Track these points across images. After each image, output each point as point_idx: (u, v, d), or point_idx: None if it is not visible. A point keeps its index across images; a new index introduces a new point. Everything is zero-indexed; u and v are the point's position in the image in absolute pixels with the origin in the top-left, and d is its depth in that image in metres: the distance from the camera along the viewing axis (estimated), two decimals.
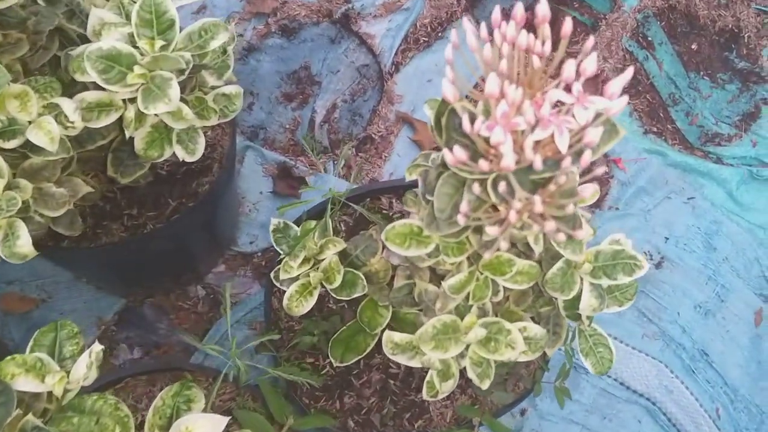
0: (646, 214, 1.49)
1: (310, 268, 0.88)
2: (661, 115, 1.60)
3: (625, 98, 0.45)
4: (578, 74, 0.46)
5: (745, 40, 1.66)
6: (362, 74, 1.59)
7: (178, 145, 0.83)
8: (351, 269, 0.89)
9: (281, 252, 0.91)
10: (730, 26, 1.66)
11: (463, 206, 0.51)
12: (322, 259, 0.88)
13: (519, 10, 0.48)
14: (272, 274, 0.89)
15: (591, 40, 0.50)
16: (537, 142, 0.47)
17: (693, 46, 1.65)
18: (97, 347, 0.70)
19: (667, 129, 1.59)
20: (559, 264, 0.79)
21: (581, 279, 0.81)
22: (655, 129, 1.58)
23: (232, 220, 1.42)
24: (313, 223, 0.90)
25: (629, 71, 0.47)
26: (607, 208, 1.49)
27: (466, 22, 0.48)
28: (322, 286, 0.89)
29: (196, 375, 1.04)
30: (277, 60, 1.59)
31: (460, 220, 0.52)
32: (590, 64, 0.45)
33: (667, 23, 1.67)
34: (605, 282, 0.79)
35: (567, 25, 0.47)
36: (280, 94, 1.56)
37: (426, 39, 1.62)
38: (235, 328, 1.35)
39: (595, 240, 1.43)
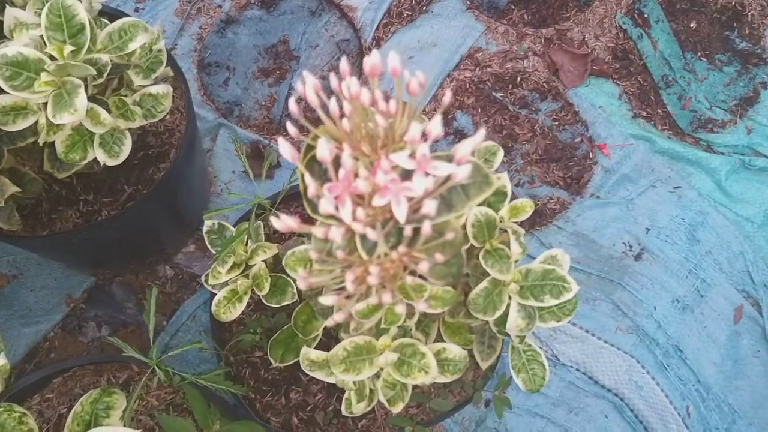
0: (628, 203, 1.44)
1: (240, 273, 0.87)
2: (652, 98, 1.52)
3: (468, 167, 0.41)
4: (424, 136, 0.42)
5: (748, 19, 1.56)
6: (342, 49, 1.54)
7: (100, 148, 0.81)
8: (283, 275, 0.87)
9: (215, 253, 0.89)
10: (733, 3, 1.56)
11: (340, 253, 0.48)
12: (253, 265, 0.86)
13: (343, 64, 0.44)
14: (203, 278, 0.88)
15: (448, 96, 0.46)
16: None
17: (692, 25, 1.56)
18: (2, 361, 0.70)
19: (657, 113, 1.52)
20: (483, 284, 0.77)
21: (510, 297, 0.78)
22: (644, 113, 1.51)
23: (201, 201, 1.41)
24: (245, 225, 0.88)
25: (481, 133, 0.43)
26: (588, 196, 1.44)
27: (306, 75, 0.45)
28: (253, 292, 0.87)
29: (142, 369, 1.04)
30: (255, 33, 1.54)
31: (338, 254, 0.49)
32: (435, 128, 0.41)
33: None
34: (532, 303, 0.76)
35: (413, 83, 0.43)
36: (257, 69, 1.53)
37: (410, 13, 1.56)
38: (202, 310, 1.35)
39: (575, 230, 1.39)
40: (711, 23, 1.57)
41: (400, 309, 0.51)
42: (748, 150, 1.49)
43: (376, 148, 0.45)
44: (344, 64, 0.44)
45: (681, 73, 1.54)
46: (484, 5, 1.59)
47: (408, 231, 0.42)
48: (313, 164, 0.43)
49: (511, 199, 1.41)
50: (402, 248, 0.43)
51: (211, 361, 1.23)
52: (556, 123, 1.49)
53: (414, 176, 0.41)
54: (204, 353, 1.17)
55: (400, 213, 0.41)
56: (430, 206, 0.40)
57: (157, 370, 0.84)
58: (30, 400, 1.03)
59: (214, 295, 0.90)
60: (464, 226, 0.76)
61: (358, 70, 1.53)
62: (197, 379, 0.84)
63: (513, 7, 1.59)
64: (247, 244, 0.85)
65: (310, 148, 0.45)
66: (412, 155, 0.42)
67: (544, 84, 1.51)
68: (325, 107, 0.44)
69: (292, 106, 0.44)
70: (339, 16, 1.56)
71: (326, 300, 0.43)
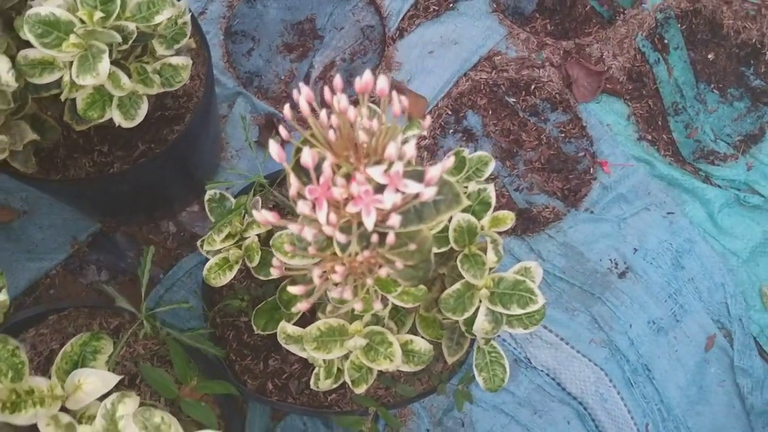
0: (620, 222, 1.48)
1: (234, 243, 0.92)
2: (660, 123, 1.56)
3: (434, 189, 0.45)
4: (400, 156, 0.46)
5: (766, 58, 1.59)
6: (366, 35, 1.58)
7: (118, 110, 0.86)
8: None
9: (213, 221, 0.95)
10: (754, 40, 1.58)
11: (311, 249, 0.53)
12: (247, 237, 0.91)
13: (337, 80, 0.49)
14: (198, 243, 0.93)
15: (427, 121, 0.50)
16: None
17: (709, 56, 1.59)
18: (2, 297, 0.76)
19: (662, 138, 1.55)
20: (456, 286, 0.82)
21: (480, 301, 0.83)
22: (649, 137, 1.55)
23: (211, 164, 1.46)
24: (244, 199, 0.93)
25: (450, 160, 0.47)
26: (583, 209, 1.49)
27: (303, 88, 0.49)
28: (244, 263, 0.93)
29: (133, 318, 1.10)
30: (283, 8, 1.58)
31: (310, 250, 0.54)
32: (410, 149, 0.46)
33: (688, 27, 1.61)
34: (500, 310, 0.81)
35: (381, 83, 0.47)
36: (281, 43, 1.57)
37: (436, 8, 1.59)
38: (197, 268, 1.40)
39: (566, 241, 1.43)
40: (729, 57, 1.59)
41: (378, 305, 0.57)
42: (745, 186, 1.53)
43: (359, 157, 0.50)
44: (338, 80, 0.49)
45: (691, 103, 1.57)
46: (509, 10, 1.62)
47: (375, 237, 0.47)
48: (299, 166, 0.48)
49: (507, 204, 1.46)
50: (367, 252, 0.48)
51: (200, 319, 1.29)
52: (563, 135, 1.53)
53: (386, 191, 0.46)
54: (193, 311, 1.23)
55: (369, 222, 0.45)
56: (394, 220, 0.45)
57: (144, 323, 0.89)
58: (25, 332, 1.09)
59: (208, 259, 0.96)
60: (445, 230, 0.81)
61: (378, 57, 1.57)
62: (181, 336, 0.90)
63: (538, 15, 1.62)
64: (243, 217, 0.90)
65: (299, 150, 0.50)
66: (387, 171, 0.46)
67: (557, 95, 1.55)
68: (315, 115, 0.48)
69: (287, 112, 0.49)
70: (367, 2, 1.59)
71: (293, 289, 0.48)
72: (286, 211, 1.12)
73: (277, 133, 1.48)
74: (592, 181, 1.51)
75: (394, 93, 0.50)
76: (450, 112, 1.53)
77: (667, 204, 1.50)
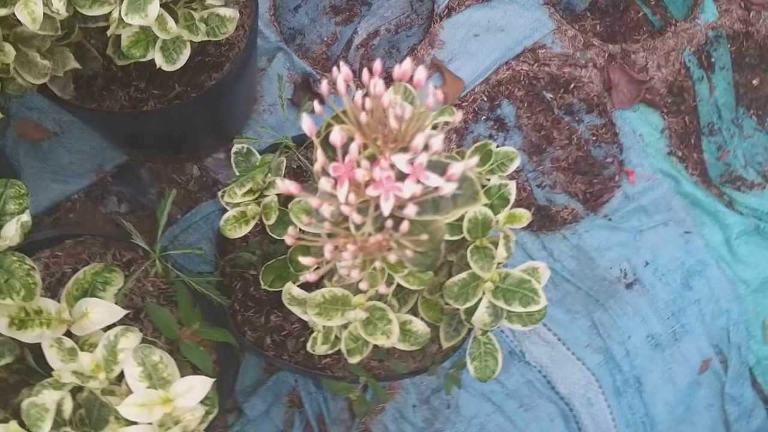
0: (637, 233, 1.48)
1: (254, 199, 0.93)
2: (692, 141, 1.55)
3: (454, 185, 0.47)
4: (426, 147, 0.47)
5: None
6: (414, 8, 1.58)
7: (160, 52, 0.88)
8: None
9: (237, 174, 0.96)
10: None
11: (326, 225, 0.54)
12: (267, 195, 0.93)
13: (377, 65, 0.49)
14: (219, 193, 0.95)
15: (458, 116, 0.51)
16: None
17: (754, 81, 1.56)
18: (25, 218, 0.78)
19: (692, 157, 1.54)
20: (463, 275, 0.83)
21: (483, 293, 0.84)
22: (680, 153, 1.54)
23: (242, 115, 1.47)
24: (270, 157, 0.94)
25: (473, 160, 0.48)
26: (601, 215, 1.49)
27: (344, 68, 0.50)
28: (260, 219, 0.94)
29: (146, 255, 1.12)
30: None
31: (325, 225, 0.56)
32: (437, 143, 0.47)
33: (737, 49, 1.58)
34: (501, 305, 0.82)
35: (418, 74, 0.48)
36: (329, 4, 1.57)
37: None
38: (215, 215, 1.43)
39: (579, 244, 1.44)
40: None
41: (383, 289, 0.58)
42: (766, 217, 1.52)
43: (386, 142, 0.51)
44: (377, 65, 0.49)
45: (728, 125, 1.55)
46: (561, 4, 1.61)
47: (389, 223, 0.48)
48: (327, 142, 0.49)
49: (527, 198, 1.46)
50: (380, 235, 0.49)
51: (210, 265, 1.31)
52: (594, 138, 1.52)
53: (407, 180, 0.47)
54: (205, 257, 1.26)
55: (386, 207, 0.47)
56: (411, 209, 0.46)
57: (157, 262, 0.92)
58: (41, 252, 1.12)
59: (227, 209, 0.98)
60: (461, 219, 0.82)
61: (422, 33, 1.56)
62: (189, 280, 0.92)
63: (589, 14, 1.60)
64: (266, 175, 0.92)
65: (329, 125, 0.51)
66: (412, 161, 0.47)
67: (594, 97, 1.54)
68: (351, 95, 0.49)
69: (324, 88, 0.50)
70: None
71: (304, 260, 0.50)
72: (308, 174, 1.14)
73: (312, 93, 1.49)
74: (615, 189, 1.50)
75: (431, 85, 0.50)
76: (485, 99, 1.53)
77: (686, 223, 1.50)
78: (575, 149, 1.51)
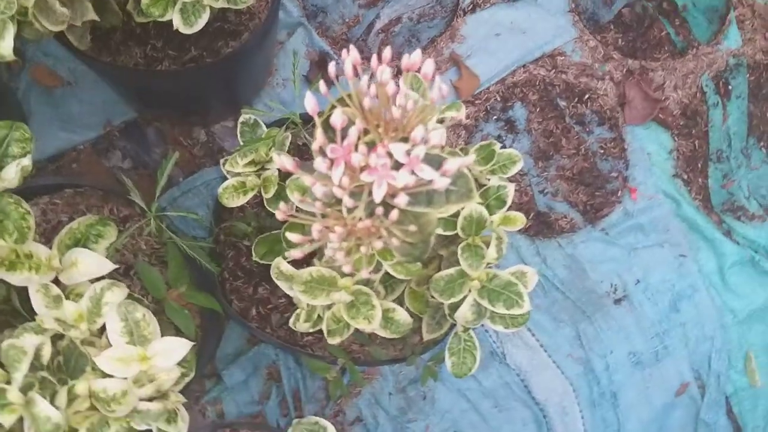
0: (631, 251, 1.49)
1: (254, 171, 0.94)
2: (699, 166, 1.54)
3: (447, 180, 0.47)
4: (425, 140, 0.48)
5: None
6: (439, 0, 1.57)
7: (179, 14, 0.88)
8: None
9: (241, 143, 0.97)
10: None
11: (318, 204, 0.55)
12: (268, 169, 0.94)
13: (386, 53, 0.50)
14: (222, 161, 0.95)
15: (463, 112, 0.52)
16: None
17: None
18: (26, 162, 0.79)
19: (697, 182, 1.54)
20: (451, 271, 0.84)
21: (469, 291, 0.85)
22: (685, 176, 1.54)
23: (255, 86, 1.47)
24: (276, 131, 0.95)
25: (470, 157, 0.49)
26: (599, 229, 1.49)
27: (353, 51, 0.50)
28: (259, 192, 0.95)
29: (143, 213, 1.13)
30: None
31: (317, 205, 0.56)
32: (436, 137, 0.47)
33: (756, 80, 1.58)
34: (485, 304, 0.83)
35: (427, 67, 0.48)
36: None
37: None
38: (217, 182, 1.43)
39: (573, 254, 1.44)
40: None
41: (365, 273, 0.59)
42: (763, 250, 1.52)
43: (387, 129, 0.51)
44: (387, 53, 0.50)
45: (736, 154, 1.55)
46: (586, 14, 1.60)
47: (380, 210, 0.49)
48: (328, 123, 0.50)
49: (528, 203, 1.47)
50: (369, 221, 0.50)
51: (205, 230, 1.32)
52: (602, 151, 1.52)
53: (401, 170, 0.47)
54: (201, 222, 1.26)
55: (378, 194, 0.47)
56: (401, 199, 0.47)
57: (152, 221, 0.92)
58: (39, 198, 1.13)
59: (227, 178, 0.98)
60: (456, 215, 0.82)
61: (445, 25, 1.56)
62: (182, 243, 0.93)
63: (612, 27, 1.60)
64: (270, 149, 0.92)
65: (333, 107, 0.51)
66: (409, 152, 0.48)
67: (607, 111, 1.53)
68: (358, 80, 0.49)
69: (331, 70, 0.50)
70: None
71: (292, 237, 0.50)
72: (312, 152, 1.14)
73: (326, 72, 1.49)
74: (616, 204, 1.51)
75: (438, 78, 0.51)
76: (499, 99, 1.53)
77: (681, 246, 1.50)
78: (582, 160, 1.51)
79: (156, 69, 1.19)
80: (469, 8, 1.56)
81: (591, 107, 1.54)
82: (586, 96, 1.54)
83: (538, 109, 1.53)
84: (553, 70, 1.55)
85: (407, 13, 1.56)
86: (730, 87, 1.57)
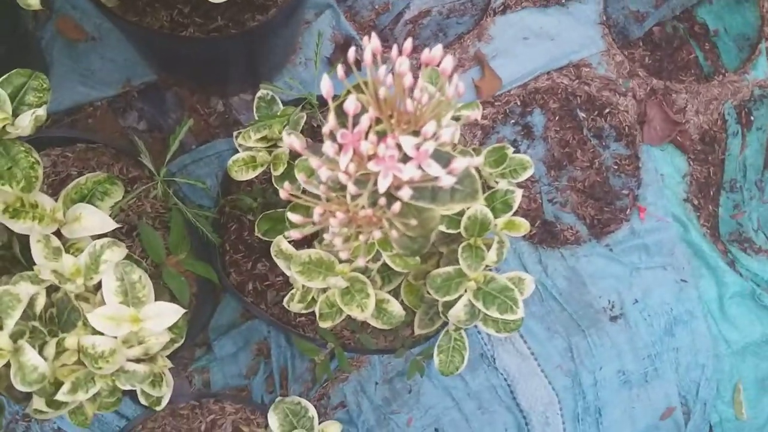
0: (633, 270, 1.48)
1: (266, 147, 0.94)
2: (711, 193, 1.54)
3: (453, 179, 0.47)
4: (435, 136, 0.48)
5: None
6: None
7: None
8: None
9: (256, 118, 0.97)
10: None
11: (322, 188, 0.54)
12: (279, 146, 0.94)
13: (407, 44, 0.49)
14: (235, 134, 0.96)
15: (478, 113, 0.51)
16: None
17: None
18: (40, 112, 0.79)
19: (707, 208, 1.53)
20: (449, 269, 0.84)
21: (465, 291, 0.85)
22: (696, 202, 1.53)
23: (278, 63, 1.47)
24: (292, 110, 0.95)
25: (478, 159, 0.48)
26: (603, 244, 1.49)
27: (374, 38, 0.50)
28: (269, 168, 0.95)
29: (152, 176, 1.13)
30: None
31: (321, 188, 0.56)
32: (447, 134, 0.47)
33: None
34: (479, 306, 0.83)
35: (446, 63, 0.48)
36: None
37: None
38: (228, 153, 1.43)
39: (575, 266, 1.44)
40: None
41: (361, 262, 0.59)
42: (765, 284, 1.51)
43: (399, 121, 0.51)
44: (408, 44, 0.49)
45: (750, 186, 1.54)
46: (617, 28, 1.59)
47: (383, 200, 0.49)
48: (341, 108, 0.50)
49: (536, 210, 1.46)
50: (371, 210, 0.50)
51: (212, 200, 1.32)
52: (616, 167, 1.52)
53: (408, 163, 0.47)
54: (208, 192, 1.27)
55: (382, 185, 0.47)
56: (405, 192, 0.47)
57: (159, 185, 0.93)
58: (52, 149, 1.13)
59: (238, 151, 0.98)
60: (461, 214, 0.82)
61: (473, 23, 1.55)
62: (187, 210, 0.93)
63: (641, 44, 1.58)
64: (284, 127, 0.92)
65: (348, 93, 0.51)
66: (419, 146, 0.48)
67: (626, 127, 1.53)
68: (376, 68, 0.49)
69: (350, 55, 0.50)
70: None
71: (293, 217, 0.50)
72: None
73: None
74: (623, 221, 1.50)
75: (456, 76, 0.50)
76: (518, 103, 1.52)
77: (684, 271, 1.50)
78: (594, 173, 1.51)
79: (180, 34, 1.19)
80: (500, 9, 1.55)
81: (610, 122, 1.53)
82: (607, 110, 1.53)
83: (556, 118, 1.52)
84: (577, 81, 1.54)
85: (438, 6, 1.55)
86: (752, 117, 1.56)
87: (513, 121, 1.52)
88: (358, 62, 1.50)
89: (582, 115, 1.53)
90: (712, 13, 1.62)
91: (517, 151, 1.48)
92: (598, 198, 1.50)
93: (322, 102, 0.99)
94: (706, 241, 1.51)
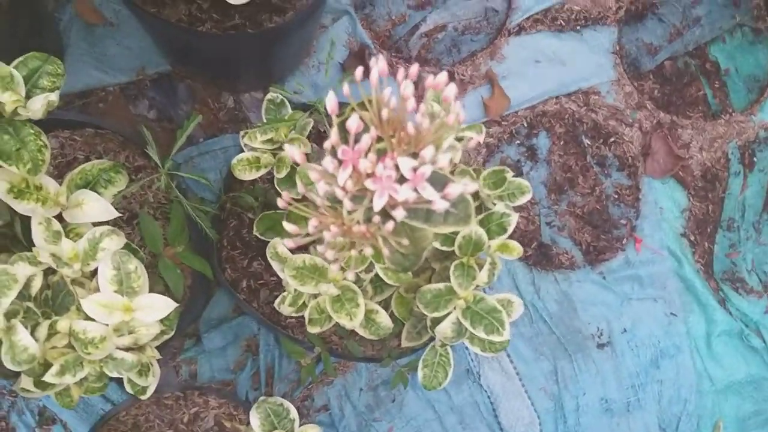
0: (625, 300, 1.49)
1: (271, 149, 0.95)
2: (708, 230, 1.55)
3: (446, 204, 0.48)
4: (433, 161, 0.49)
5: None
6: (487, 16, 1.58)
7: None
8: None
9: (264, 121, 0.98)
10: None
11: (319, 200, 0.56)
12: (284, 150, 0.95)
13: (413, 69, 0.51)
14: (241, 133, 0.97)
15: (478, 137, 0.53)
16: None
17: None
18: (53, 97, 0.80)
19: (703, 245, 1.54)
20: (440, 285, 0.85)
21: (454, 309, 0.86)
22: (692, 237, 1.54)
23: (291, 64, 1.48)
24: (299, 114, 0.96)
25: (473, 186, 0.50)
26: (597, 272, 1.50)
27: (381, 61, 0.51)
28: (272, 169, 0.96)
29: (156, 167, 1.15)
30: None
31: (317, 201, 0.57)
32: (444, 160, 0.48)
33: None
34: (467, 325, 0.84)
35: (449, 90, 0.49)
36: None
37: (563, 24, 1.58)
38: (235, 150, 1.45)
39: (567, 291, 1.45)
40: None
41: (350, 276, 0.60)
42: (754, 326, 1.53)
43: (400, 141, 0.52)
44: (414, 70, 0.51)
45: (747, 227, 1.56)
46: (629, 58, 1.61)
47: (377, 218, 0.50)
48: (344, 125, 0.51)
49: (533, 232, 1.47)
50: (365, 226, 0.51)
51: (213, 195, 1.33)
52: (616, 196, 1.53)
53: (404, 185, 0.48)
54: (210, 186, 1.28)
55: (378, 204, 0.48)
56: (398, 213, 0.48)
57: (162, 177, 0.94)
58: (60, 131, 1.15)
59: (243, 150, 1.00)
60: (456, 232, 0.84)
61: (487, 42, 1.56)
62: (187, 204, 0.94)
63: (652, 77, 1.60)
64: (291, 131, 0.94)
65: (352, 109, 0.52)
66: (416, 168, 0.49)
67: (629, 158, 1.54)
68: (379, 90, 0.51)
69: (358, 74, 0.51)
70: None
71: (288, 227, 0.52)
72: None
73: (363, 65, 1.50)
74: (619, 251, 1.51)
75: (458, 103, 0.52)
76: (525, 125, 1.53)
77: (674, 305, 1.51)
78: (594, 201, 1.52)
79: (197, 29, 1.20)
80: (515, 30, 1.57)
81: (614, 151, 1.54)
82: (612, 139, 1.55)
83: (561, 142, 1.54)
84: (584, 107, 1.55)
85: (453, 22, 1.57)
86: (755, 159, 1.57)
87: (518, 141, 1.53)
88: (368, 71, 1.52)
89: (587, 141, 1.54)
90: (724, 52, 1.63)
91: (519, 172, 1.51)
92: (596, 225, 1.52)
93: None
94: (699, 277, 1.52)
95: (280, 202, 0.52)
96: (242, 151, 1.00)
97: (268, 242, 1.09)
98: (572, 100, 1.55)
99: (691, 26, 1.62)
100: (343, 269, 0.81)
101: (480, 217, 0.86)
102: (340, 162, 0.50)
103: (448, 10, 1.57)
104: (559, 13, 1.58)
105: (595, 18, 1.60)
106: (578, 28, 1.59)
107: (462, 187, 0.49)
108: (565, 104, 1.55)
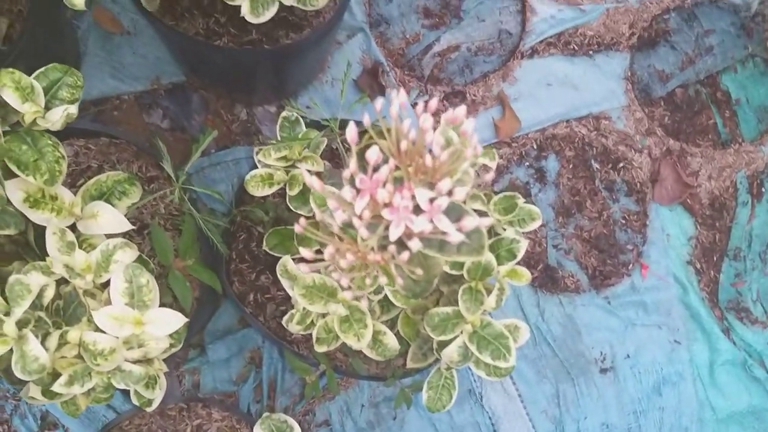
0: (629, 325, 1.50)
1: (285, 166, 0.96)
2: (714, 259, 1.55)
3: (461, 236, 0.49)
4: (450, 192, 0.50)
5: None
6: (500, 38, 1.59)
7: (248, 1, 0.90)
8: None
9: (279, 139, 0.99)
10: None
11: (335, 227, 0.56)
12: (298, 167, 0.96)
13: (433, 103, 0.51)
14: (255, 149, 0.98)
15: (490, 176, 0.53)
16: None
17: None
18: (72, 109, 0.81)
19: (708, 274, 1.55)
20: (447, 309, 0.85)
21: (461, 333, 0.86)
22: (698, 265, 1.55)
23: (305, 80, 1.50)
24: (314, 133, 0.97)
25: (488, 220, 0.50)
26: (602, 296, 1.50)
27: (402, 94, 0.52)
28: (285, 186, 0.97)
29: (169, 179, 1.16)
30: None
31: (334, 227, 0.58)
32: (460, 193, 0.49)
33: None
34: (473, 349, 0.85)
35: (467, 125, 0.50)
36: (423, 5, 1.59)
37: (575, 48, 1.59)
38: (246, 162, 1.46)
39: (571, 314, 1.45)
40: None
41: (364, 304, 0.61)
42: (757, 356, 1.52)
43: (417, 171, 0.53)
44: (433, 103, 0.52)
45: (753, 257, 1.56)
46: (640, 85, 1.61)
47: (392, 247, 0.51)
48: (363, 155, 0.52)
49: (540, 254, 1.48)
50: (380, 255, 0.52)
51: (224, 207, 1.34)
52: (623, 221, 1.53)
53: (421, 215, 0.49)
54: (221, 199, 1.29)
55: (394, 233, 0.49)
56: (414, 244, 0.49)
57: (176, 191, 0.95)
58: (76, 140, 1.16)
59: (257, 166, 1.01)
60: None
61: (500, 63, 1.57)
62: (199, 218, 0.95)
63: (662, 104, 1.61)
64: (304, 149, 0.95)
65: (371, 139, 0.53)
66: (433, 200, 0.50)
67: (638, 183, 1.55)
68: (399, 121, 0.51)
69: (366, 121, 0.52)
70: (518, 10, 1.60)
71: (303, 252, 0.52)
72: (343, 159, 1.16)
73: (376, 82, 1.51)
74: (625, 276, 1.52)
75: (475, 135, 0.52)
76: (535, 147, 1.54)
77: (679, 332, 1.51)
78: (601, 225, 1.52)
79: (214, 43, 1.22)
80: (528, 53, 1.58)
81: (623, 176, 1.55)
82: (621, 164, 1.55)
83: (571, 166, 1.54)
84: (595, 132, 1.56)
85: (467, 43, 1.58)
86: (763, 189, 1.58)
87: (527, 163, 1.54)
88: (382, 87, 1.53)
89: (596, 166, 1.55)
90: (736, 82, 1.64)
91: (528, 194, 1.51)
92: (603, 250, 1.52)
93: (343, 126, 1.02)
94: (704, 305, 1.53)
95: (297, 228, 0.53)
96: (254, 163, 1.01)
97: (277, 257, 1.10)
98: (582, 124, 1.56)
99: (704, 55, 1.63)
100: (357, 298, 0.82)
101: (490, 241, 0.87)
102: (358, 191, 0.51)
103: (462, 31, 1.58)
104: (573, 37, 1.59)
105: (608, 43, 1.61)
106: (591, 52, 1.60)
107: (477, 221, 0.50)
108: (575, 128, 1.56)
